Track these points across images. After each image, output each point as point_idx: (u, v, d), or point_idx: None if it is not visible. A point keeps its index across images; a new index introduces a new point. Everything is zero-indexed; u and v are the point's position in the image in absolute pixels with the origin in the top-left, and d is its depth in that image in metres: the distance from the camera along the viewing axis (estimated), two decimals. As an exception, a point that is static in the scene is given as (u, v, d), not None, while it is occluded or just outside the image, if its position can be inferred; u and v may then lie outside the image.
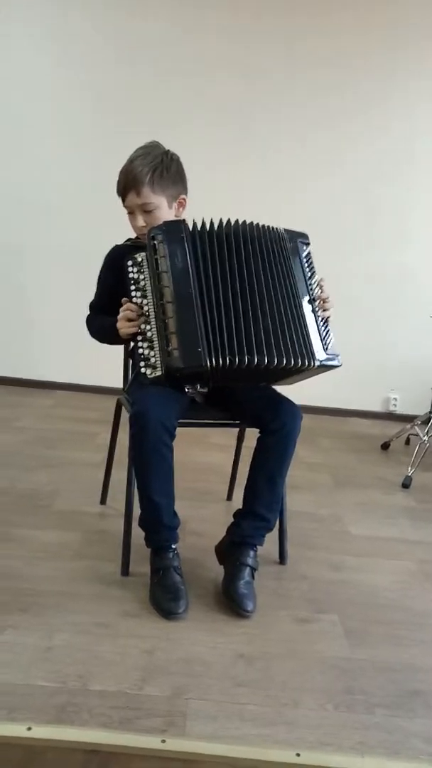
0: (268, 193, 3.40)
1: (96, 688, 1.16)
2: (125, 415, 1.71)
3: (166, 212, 1.57)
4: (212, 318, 1.40)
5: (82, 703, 1.12)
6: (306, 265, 1.53)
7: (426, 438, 2.70)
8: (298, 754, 1.05)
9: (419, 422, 2.89)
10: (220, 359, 1.38)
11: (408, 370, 3.56)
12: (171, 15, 3.29)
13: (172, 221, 1.48)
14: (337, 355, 1.52)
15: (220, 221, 1.45)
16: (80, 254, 3.41)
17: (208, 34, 3.30)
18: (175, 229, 1.43)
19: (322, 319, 1.52)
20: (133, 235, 1.66)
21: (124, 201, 1.58)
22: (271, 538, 1.70)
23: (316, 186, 3.45)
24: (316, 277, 1.54)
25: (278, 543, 1.72)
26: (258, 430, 1.56)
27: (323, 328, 1.51)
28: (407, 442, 3.10)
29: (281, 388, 1.60)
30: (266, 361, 1.41)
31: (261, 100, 3.37)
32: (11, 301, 3.60)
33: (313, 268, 1.55)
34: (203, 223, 1.44)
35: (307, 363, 1.45)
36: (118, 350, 1.84)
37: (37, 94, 3.39)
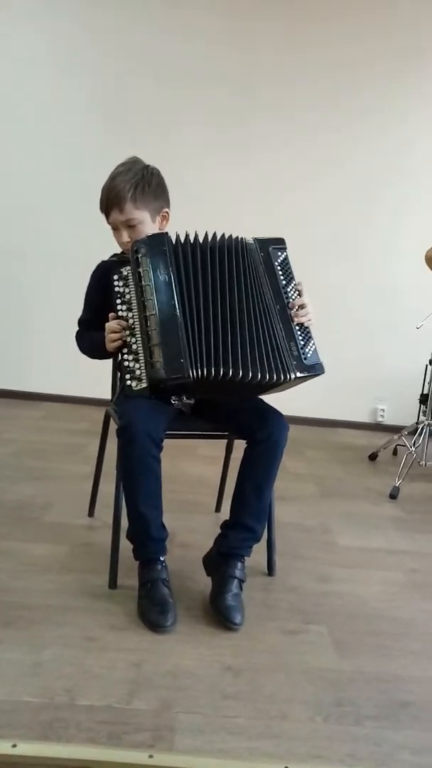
0: (264, 199, 3.44)
1: (83, 702, 1.15)
2: (113, 427, 1.71)
3: (149, 227, 1.59)
4: (194, 330, 1.42)
5: (70, 719, 1.11)
6: (281, 272, 1.53)
7: (413, 449, 2.72)
8: (286, 767, 1.05)
9: (406, 433, 2.92)
10: (203, 370, 1.40)
11: (395, 381, 3.59)
12: (169, 20, 3.33)
13: (155, 234, 1.50)
14: (319, 363, 1.51)
15: (196, 234, 1.47)
16: (72, 266, 3.40)
17: (207, 39, 3.35)
18: (158, 242, 1.45)
19: (300, 326, 1.51)
20: (119, 250, 1.67)
21: (108, 218, 1.59)
22: (259, 549, 1.70)
23: (309, 194, 3.49)
24: (294, 284, 1.54)
25: (266, 554, 1.72)
26: (245, 442, 1.57)
27: (301, 337, 1.50)
28: (395, 452, 3.13)
29: (270, 399, 1.61)
30: (240, 374, 1.42)
31: (259, 106, 3.42)
32: (1, 313, 3.59)
33: (290, 274, 1.54)
34: (186, 236, 1.46)
35: (282, 377, 1.45)
36: (107, 362, 1.84)
37: (36, 97, 3.41)
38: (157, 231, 1.58)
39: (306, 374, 1.48)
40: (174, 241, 1.46)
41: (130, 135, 3.30)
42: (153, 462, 1.45)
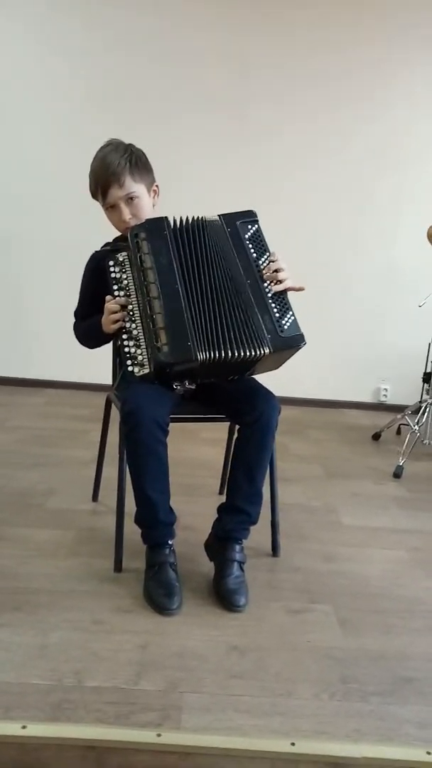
0: (262, 184, 3.39)
1: (91, 684, 1.17)
2: (115, 412, 1.71)
3: (147, 200, 1.59)
4: (196, 312, 1.41)
5: (78, 700, 1.12)
6: (251, 246, 1.50)
7: (416, 428, 2.72)
8: (293, 744, 1.06)
9: (410, 412, 2.91)
10: (208, 353, 1.39)
11: (398, 361, 3.58)
12: (164, 5, 3.26)
13: (154, 218, 1.50)
14: (298, 335, 1.47)
15: (188, 217, 1.46)
16: (72, 252, 3.35)
17: (202, 24, 3.27)
18: (157, 225, 1.44)
19: (276, 299, 1.48)
20: (110, 239, 1.66)
21: (105, 197, 1.57)
22: (264, 530, 1.71)
23: (309, 177, 3.44)
24: (267, 255, 1.51)
25: (270, 535, 1.73)
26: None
27: (276, 309, 1.47)
28: (398, 432, 3.12)
29: (271, 379, 1.60)
30: (240, 354, 1.41)
31: (255, 92, 3.35)
32: (1, 300, 3.58)
33: (262, 247, 1.51)
34: (182, 219, 1.45)
35: (256, 353, 1.43)
36: (107, 347, 1.83)
37: (29, 86, 3.35)
38: (151, 205, 1.59)
39: (282, 347, 1.45)
40: (174, 225, 1.45)
41: (123, 122, 3.22)
42: (159, 446, 1.45)
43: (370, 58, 3.34)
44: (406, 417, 2.89)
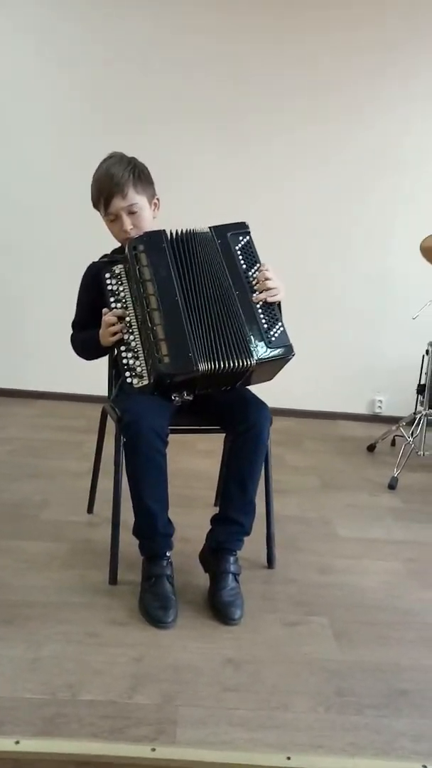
0: (255, 193, 3.41)
1: (85, 698, 1.16)
2: (111, 423, 1.71)
3: (148, 212, 1.60)
4: (195, 324, 1.42)
5: (71, 714, 1.11)
6: (241, 257, 1.51)
7: (411, 439, 2.73)
8: (288, 758, 1.06)
9: (404, 423, 2.92)
10: (208, 364, 1.40)
11: (393, 372, 3.59)
12: (159, 13, 3.30)
13: (152, 231, 1.51)
14: (287, 345, 1.47)
15: (186, 230, 1.48)
16: (67, 263, 3.37)
17: (197, 31, 3.30)
18: (155, 238, 1.46)
19: (264, 310, 1.48)
20: (108, 251, 1.67)
21: (107, 208, 1.58)
22: (259, 542, 1.70)
23: (302, 187, 3.46)
24: (257, 266, 1.51)
25: (266, 547, 1.72)
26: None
27: (264, 320, 1.47)
28: (393, 443, 3.13)
29: (266, 389, 1.60)
30: (241, 365, 1.42)
31: (250, 99, 3.38)
32: (-6, 310, 3.58)
33: (252, 258, 1.52)
34: (178, 232, 1.47)
35: (244, 363, 1.43)
36: (102, 359, 1.84)
37: (27, 93, 3.36)
38: (152, 218, 1.61)
39: (271, 357, 1.45)
40: (172, 237, 1.46)
41: (121, 129, 3.28)
42: (159, 457, 1.45)
43: (365, 64, 3.37)
44: (401, 428, 2.90)
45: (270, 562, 1.72)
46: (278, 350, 1.46)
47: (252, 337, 1.45)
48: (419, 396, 2.95)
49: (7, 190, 3.47)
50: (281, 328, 1.49)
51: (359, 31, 3.34)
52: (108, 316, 1.47)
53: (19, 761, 1.01)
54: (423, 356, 3.00)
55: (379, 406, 3.69)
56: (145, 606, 1.44)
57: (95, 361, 1.81)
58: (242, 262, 1.51)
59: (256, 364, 1.44)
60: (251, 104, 3.40)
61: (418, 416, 2.82)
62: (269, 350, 1.45)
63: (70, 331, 1.74)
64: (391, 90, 3.41)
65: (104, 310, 1.48)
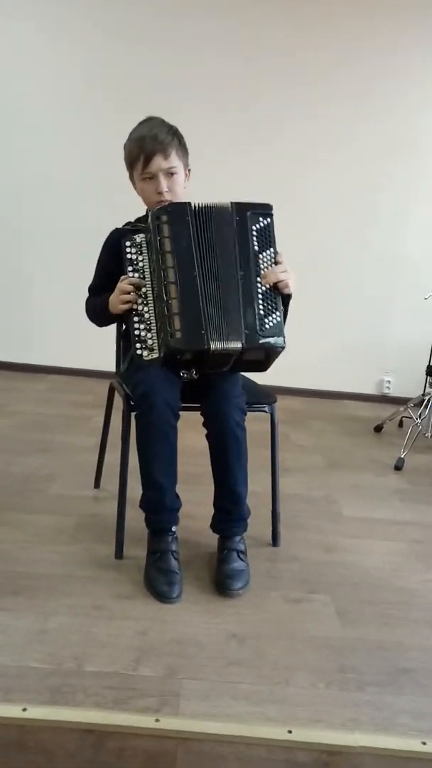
0: (265, 175, 3.36)
1: (90, 669, 1.18)
2: (118, 399, 1.71)
3: (182, 178, 1.58)
4: (208, 300, 1.39)
5: (77, 684, 1.13)
6: (256, 238, 1.45)
7: (419, 420, 2.72)
8: (289, 731, 1.07)
9: (412, 405, 2.90)
10: (220, 342, 1.38)
11: (402, 353, 3.57)
12: None
13: (177, 203, 1.48)
14: (279, 338, 1.42)
15: (218, 204, 1.44)
16: (75, 239, 3.38)
17: (207, 13, 3.23)
18: (180, 210, 1.42)
19: (265, 297, 1.43)
20: (117, 225, 1.64)
21: (146, 166, 1.54)
22: (264, 520, 1.71)
23: (316, 168, 3.41)
24: (270, 252, 1.45)
25: (271, 525, 1.73)
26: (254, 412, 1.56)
27: (262, 307, 1.42)
28: (400, 424, 3.12)
29: (269, 371, 1.57)
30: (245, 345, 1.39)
31: (261, 80, 3.32)
32: (4, 286, 3.56)
33: (267, 242, 1.45)
34: (206, 205, 1.43)
35: (232, 345, 1.39)
36: (111, 334, 1.83)
37: (33, 76, 3.32)
38: (184, 185, 1.59)
39: (256, 347, 1.41)
40: (196, 211, 1.42)
41: (127, 111, 3.20)
42: (171, 431, 1.45)
43: (378, 47, 3.28)
44: (409, 410, 2.88)
45: (275, 540, 1.73)
46: (267, 339, 1.41)
47: (244, 320, 1.40)
48: (428, 377, 2.93)
49: (13, 168, 3.43)
50: (277, 319, 1.43)
51: (369, 16, 3.23)
52: (124, 284, 1.44)
53: (25, 728, 1.04)
54: (433, 337, 2.97)
55: (388, 387, 3.67)
56: (150, 580, 1.45)
57: (104, 336, 1.81)
58: (255, 243, 1.45)
59: (242, 349, 1.40)
60: (263, 87, 3.33)
61: (426, 398, 2.80)
62: (259, 337, 1.40)
63: (79, 307, 1.72)
64: (406, 70, 3.32)
65: (122, 277, 1.46)
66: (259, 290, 1.43)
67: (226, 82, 3.30)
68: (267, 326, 1.42)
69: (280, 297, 1.46)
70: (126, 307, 1.44)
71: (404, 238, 3.48)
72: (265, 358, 1.47)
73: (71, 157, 3.38)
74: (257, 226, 1.46)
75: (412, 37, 3.27)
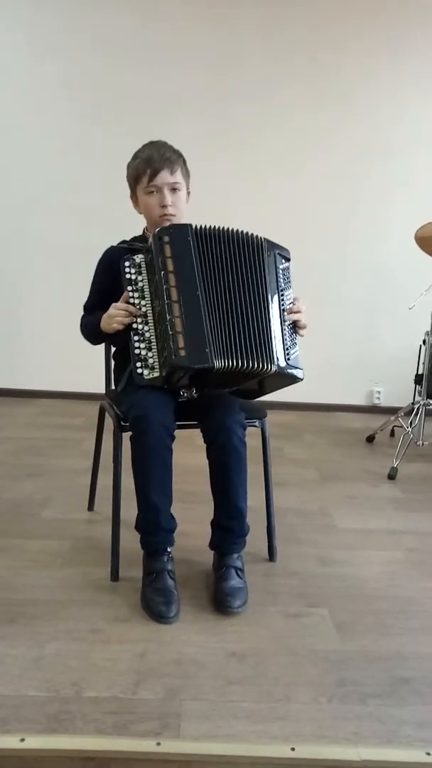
0: (248, 184, 3.41)
1: (89, 694, 1.16)
2: (109, 421, 1.71)
3: (185, 197, 1.64)
4: (214, 319, 1.42)
5: (76, 711, 1.12)
6: (282, 277, 1.54)
7: (410, 429, 2.73)
8: (293, 749, 1.06)
9: (403, 414, 2.92)
10: (224, 361, 1.40)
11: (390, 363, 3.60)
12: (149, 7, 3.28)
13: (178, 224, 1.52)
14: (300, 369, 1.52)
15: (215, 226, 1.48)
16: (63, 260, 3.40)
17: (184, 24, 3.29)
18: (181, 231, 1.45)
19: (290, 330, 1.52)
20: (106, 247, 1.67)
21: (152, 179, 1.58)
22: (260, 535, 1.71)
23: (299, 175, 3.46)
24: (290, 292, 1.55)
25: (267, 540, 1.73)
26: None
27: (289, 339, 1.51)
28: (392, 434, 3.14)
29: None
30: (255, 366, 1.42)
31: (243, 90, 3.37)
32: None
33: (288, 282, 1.55)
34: (206, 227, 1.47)
35: (265, 366, 1.43)
36: (99, 356, 1.84)
37: (16, 89, 3.35)
38: (186, 207, 1.64)
39: (285, 372, 1.48)
40: (197, 232, 1.45)
41: (115, 123, 3.27)
42: (166, 452, 1.46)
43: (359, 53, 3.36)
44: (399, 419, 2.90)
45: (271, 555, 1.73)
46: (292, 370, 1.50)
47: (275, 347, 1.47)
48: (417, 386, 2.96)
49: (1, 188, 3.45)
50: (297, 353, 1.53)
51: (351, 19, 3.32)
52: (117, 309, 1.46)
53: (24, 759, 1.02)
54: (420, 346, 3.00)
55: (378, 397, 3.69)
56: (147, 601, 1.44)
57: (93, 358, 1.81)
58: (281, 281, 1.53)
59: (275, 372, 1.45)
60: (244, 95, 3.39)
61: (416, 406, 2.82)
62: (287, 365, 1.49)
63: (67, 331, 1.74)
64: (383, 78, 3.40)
65: (122, 298, 1.48)
66: (286, 324, 1.51)
67: (205, 93, 3.35)
68: (291, 357, 1.51)
69: (297, 334, 1.55)
70: (116, 327, 1.46)
71: (388, 248, 3.53)
72: (279, 386, 1.56)
73: (57, 174, 3.41)
74: (282, 265, 1.54)
75: (388, 46, 3.35)
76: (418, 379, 2.94)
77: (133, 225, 1.71)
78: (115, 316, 1.47)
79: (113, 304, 1.49)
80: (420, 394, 2.90)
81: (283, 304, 1.52)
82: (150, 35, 3.31)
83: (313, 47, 3.35)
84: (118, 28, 3.30)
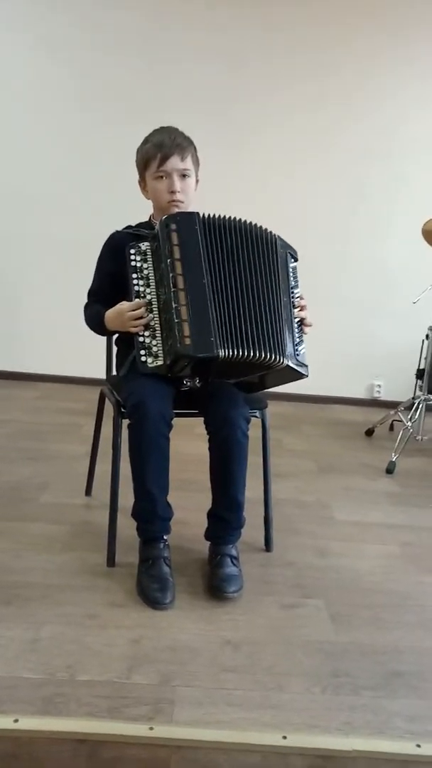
0: (251, 180, 3.39)
1: (83, 678, 1.17)
2: (109, 406, 1.71)
3: (193, 185, 1.62)
4: (221, 309, 1.40)
5: (70, 694, 1.12)
6: (291, 275, 1.54)
7: (409, 424, 2.73)
8: (284, 737, 1.07)
9: (402, 408, 2.92)
10: (229, 350, 1.39)
11: (391, 357, 3.59)
12: (146, 5, 3.24)
13: (185, 212, 1.50)
14: (306, 365, 1.52)
15: (224, 216, 1.46)
16: (66, 245, 3.39)
17: (185, 23, 3.26)
18: (189, 219, 1.44)
19: (299, 327, 1.53)
20: (108, 234, 1.65)
21: (161, 164, 1.57)
22: (257, 526, 1.71)
23: (299, 174, 3.44)
24: (299, 290, 1.55)
25: (264, 530, 1.73)
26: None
27: (297, 335, 1.52)
28: (391, 428, 3.13)
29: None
30: (261, 355, 1.41)
31: (245, 88, 3.34)
32: (-7, 292, 3.56)
33: (297, 281, 1.55)
34: (214, 216, 1.45)
35: (276, 358, 1.43)
36: (101, 341, 1.83)
37: (18, 84, 3.32)
38: (194, 195, 1.62)
39: (295, 368, 1.48)
40: (205, 220, 1.44)
41: (115, 122, 3.24)
42: (163, 441, 1.45)
43: (360, 53, 3.32)
44: (399, 413, 2.90)
45: (268, 545, 1.73)
46: (301, 368, 1.51)
47: (286, 340, 1.46)
48: (418, 381, 2.95)
49: (3, 179, 3.42)
50: (304, 350, 1.53)
51: (351, 19, 3.27)
52: (132, 311, 1.44)
53: (18, 739, 1.03)
54: (423, 341, 2.99)
55: (378, 391, 3.69)
56: (142, 587, 1.45)
57: (94, 344, 1.81)
58: (292, 279, 1.54)
59: (286, 366, 1.45)
60: (247, 93, 3.36)
61: (416, 401, 2.82)
62: (297, 360, 1.49)
63: (68, 314, 1.73)
64: (384, 78, 3.36)
65: (135, 301, 1.46)
66: (295, 319, 1.51)
67: (208, 91, 3.32)
68: (299, 353, 1.51)
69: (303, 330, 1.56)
70: (136, 329, 1.44)
71: (391, 242, 3.51)
72: (283, 381, 1.56)
73: (60, 166, 3.38)
74: (292, 264, 1.55)
75: (391, 45, 3.32)
76: (420, 374, 2.93)
77: (135, 216, 1.70)
78: (129, 320, 1.45)
79: (124, 305, 1.46)
80: (421, 389, 2.89)
81: (292, 301, 1.51)
82: (151, 34, 3.27)
83: (314, 47, 3.31)
84: (120, 27, 3.26)
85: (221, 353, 1.38)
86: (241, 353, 1.40)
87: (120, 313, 1.48)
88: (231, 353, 1.39)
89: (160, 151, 1.56)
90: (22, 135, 3.38)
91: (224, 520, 1.55)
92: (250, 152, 3.39)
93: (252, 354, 1.40)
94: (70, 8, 3.25)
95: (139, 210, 1.70)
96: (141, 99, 3.28)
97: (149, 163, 1.59)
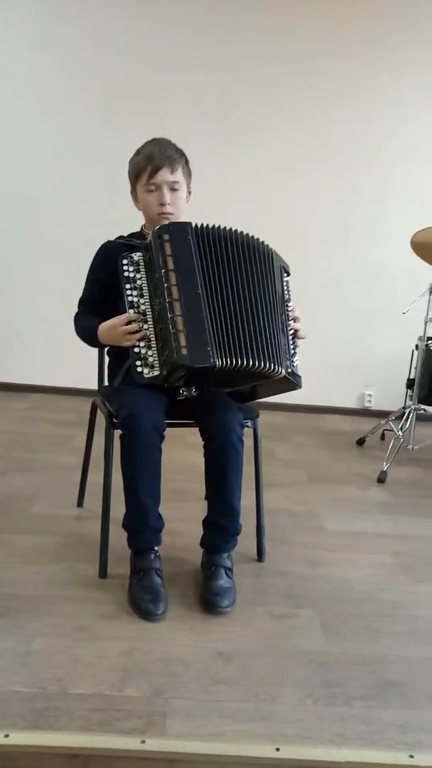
0: (245, 186, 3.41)
1: (75, 691, 1.16)
2: (101, 417, 1.71)
3: (184, 198, 1.63)
4: (216, 318, 1.41)
5: (61, 707, 1.11)
6: (285, 289, 1.56)
7: (400, 433, 2.75)
8: (277, 749, 1.07)
9: (393, 418, 2.94)
10: (225, 360, 1.39)
11: (382, 367, 3.61)
12: (154, 8, 3.27)
13: (178, 222, 1.51)
14: (299, 376, 1.54)
15: (218, 226, 1.48)
16: (57, 256, 3.39)
17: (186, 25, 3.28)
18: (181, 229, 1.45)
19: (292, 338, 1.55)
20: (100, 243, 1.66)
21: (152, 176, 1.58)
22: (249, 535, 1.71)
23: (292, 182, 3.46)
24: (291, 304, 1.57)
25: (255, 540, 1.73)
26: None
27: (292, 346, 1.54)
28: (382, 437, 3.15)
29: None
30: (257, 365, 1.42)
31: (244, 93, 3.37)
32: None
33: (289, 294, 1.57)
34: (206, 226, 1.46)
35: (272, 368, 1.44)
36: (93, 351, 1.83)
37: (19, 88, 3.33)
38: (185, 207, 1.63)
39: (290, 378, 1.50)
40: (197, 231, 1.45)
41: (115, 124, 3.26)
42: (156, 452, 1.45)
43: (359, 58, 3.37)
44: (390, 423, 2.92)
45: (260, 555, 1.73)
46: (294, 375, 1.52)
47: (282, 350, 1.48)
48: (408, 390, 2.97)
49: (2, 186, 3.43)
50: (297, 362, 1.55)
51: (352, 23, 3.33)
52: (124, 325, 1.44)
53: (8, 754, 1.02)
54: (412, 351, 3.02)
55: (369, 401, 3.71)
56: (134, 599, 1.44)
57: (86, 354, 1.81)
58: (286, 292, 1.56)
59: (282, 376, 1.47)
60: (245, 98, 3.39)
61: (407, 410, 2.84)
62: (292, 371, 1.51)
63: (59, 325, 1.73)
64: (383, 84, 3.41)
65: (127, 314, 1.46)
66: (290, 332, 1.54)
67: (208, 96, 3.35)
68: (295, 363, 1.53)
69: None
70: (130, 342, 1.44)
71: (382, 252, 3.54)
72: (276, 391, 1.58)
73: (55, 172, 3.39)
74: (285, 278, 1.57)
75: (387, 53, 3.36)
76: (410, 384, 2.96)
77: (133, 223, 1.71)
78: (122, 334, 1.45)
79: (114, 324, 1.47)
80: (411, 399, 2.91)
81: (286, 312, 1.53)
82: (152, 36, 3.30)
83: (315, 51, 3.35)
84: (121, 29, 3.29)
85: (218, 363, 1.39)
86: (237, 362, 1.40)
87: (113, 327, 1.48)
88: (227, 362, 1.40)
89: (151, 163, 1.58)
90: (22, 136, 3.38)
91: (220, 527, 1.55)
92: (249, 155, 3.42)
93: (249, 363, 1.41)
94: (70, 10, 3.27)
95: (137, 215, 1.71)
96: (141, 101, 3.30)
97: (140, 175, 1.60)
